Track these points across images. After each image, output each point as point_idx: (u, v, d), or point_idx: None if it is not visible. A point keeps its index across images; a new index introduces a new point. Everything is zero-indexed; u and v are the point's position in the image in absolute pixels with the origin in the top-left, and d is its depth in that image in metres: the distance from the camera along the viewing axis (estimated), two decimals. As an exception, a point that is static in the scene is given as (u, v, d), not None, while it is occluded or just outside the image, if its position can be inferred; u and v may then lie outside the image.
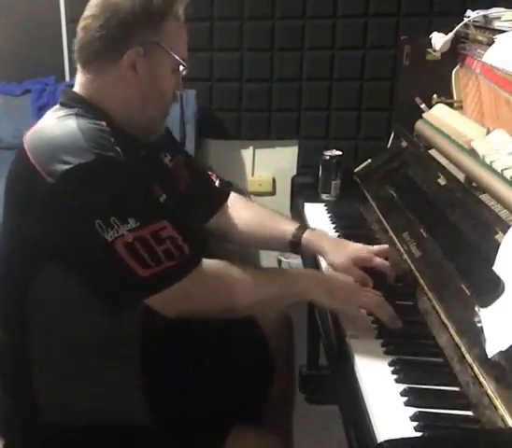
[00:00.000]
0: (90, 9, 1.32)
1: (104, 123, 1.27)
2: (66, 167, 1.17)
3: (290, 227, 1.60)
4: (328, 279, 1.43)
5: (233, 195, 1.69)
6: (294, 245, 1.59)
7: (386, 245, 1.58)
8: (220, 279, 1.29)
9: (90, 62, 1.33)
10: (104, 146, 1.21)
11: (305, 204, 2.06)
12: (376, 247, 1.55)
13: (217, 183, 1.66)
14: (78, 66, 1.35)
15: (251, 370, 1.49)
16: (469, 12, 1.88)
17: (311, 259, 1.69)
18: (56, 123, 1.28)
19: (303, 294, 1.36)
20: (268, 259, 3.21)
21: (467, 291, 1.30)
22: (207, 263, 1.28)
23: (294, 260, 2.87)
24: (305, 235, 1.58)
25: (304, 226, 1.63)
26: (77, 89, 1.35)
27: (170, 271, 1.21)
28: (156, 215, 1.23)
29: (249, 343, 1.52)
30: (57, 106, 1.34)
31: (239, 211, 1.66)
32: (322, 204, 2.06)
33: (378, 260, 1.51)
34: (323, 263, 1.59)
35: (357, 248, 1.54)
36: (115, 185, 1.21)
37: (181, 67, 1.36)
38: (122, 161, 1.22)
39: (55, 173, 1.18)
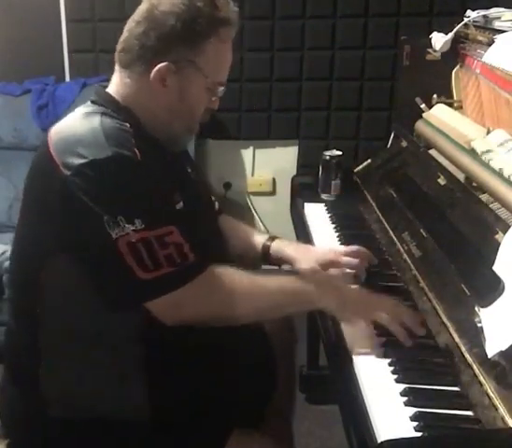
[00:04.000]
0: (137, 14, 1.32)
1: (127, 125, 1.28)
2: (81, 161, 1.19)
3: (261, 239, 1.64)
4: (342, 288, 1.39)
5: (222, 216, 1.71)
6: (265, 256, 1.62)
7: (355, 246, 1.59)
8: (223, 289, 1.27)
9: (127, 66, 1.33)
10: (122, 145, 1.22)
11: (305, 204, 2.06)
12: (343, 248, 1.59)
13: (216, 205, 1.68)
14: (117, 67, 1.35)
15: (254, 373, 1.48)
16: (469, 12, 1.88)
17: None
18: (81, 119, 1.29)
19: (314, 302, 1.34)
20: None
21: (467, 291, 1.30)
22: (213, 270, 1.26)
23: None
24: (273, 245, 1.61)
25: (273, 237, 1.65)
26: (111, 89, 1.36)
27: (169, 276, 1.20)
28: (164, 219, 1.23)
29: (253, 345, 1.51)
30: (87, 103, 1.34)
31: (223, 229, 1.67)
32: (322, 204, 2.06)
33: (345, 260, 1.54)
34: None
35: (323, 252, 1.57)
36: (126, 184, 1.21)
37: (219, 88, 1.37)
38: (139, 161, 1.22)
39: (70, 165, 1.19)
